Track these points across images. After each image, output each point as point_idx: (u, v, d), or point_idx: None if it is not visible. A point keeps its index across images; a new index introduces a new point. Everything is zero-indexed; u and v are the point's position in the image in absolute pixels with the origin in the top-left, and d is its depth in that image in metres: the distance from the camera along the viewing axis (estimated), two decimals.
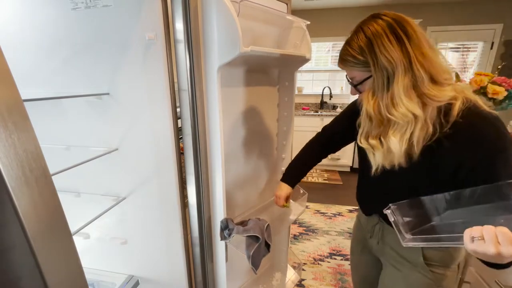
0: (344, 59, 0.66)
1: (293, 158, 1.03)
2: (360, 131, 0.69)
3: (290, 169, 1.01)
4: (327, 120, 4.07)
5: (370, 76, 0.63)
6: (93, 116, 0.86)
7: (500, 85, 1.26)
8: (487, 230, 0.46)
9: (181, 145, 0.85)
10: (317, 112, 4.09)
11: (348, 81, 0.70)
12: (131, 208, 0.94)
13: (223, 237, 0.87)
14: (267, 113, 1.16)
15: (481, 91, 1.29)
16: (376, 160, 0.66)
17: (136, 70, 0.78)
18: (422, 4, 3.69)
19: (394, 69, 0.58)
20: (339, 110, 4.27)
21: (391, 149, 0.63)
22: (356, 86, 0.68)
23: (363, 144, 0.68)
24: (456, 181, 0.61)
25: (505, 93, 1.25)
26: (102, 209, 0.85)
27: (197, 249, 0.95)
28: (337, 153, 3.96)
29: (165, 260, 0.98)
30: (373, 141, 0.66)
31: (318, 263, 2.16)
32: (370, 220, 0.86)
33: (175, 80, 0.78)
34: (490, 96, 1.26)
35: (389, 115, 0.61)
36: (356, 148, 0.95)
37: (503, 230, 0.45)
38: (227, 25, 0.71)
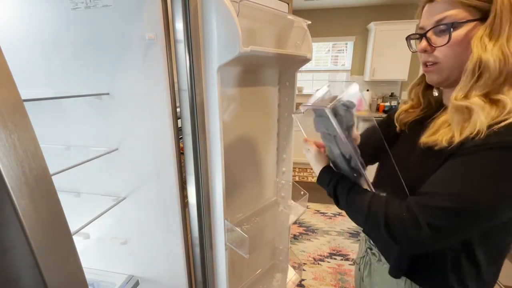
0: None
1: None
2: (457, 87, 0.55)
3: None
4: None
5: (476, 20, 0.51)
6: (93, 116, 0.86)
7: None
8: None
9: (181, 145, 0.85)
10: None
11: (423, 34, 0.58)
12: (131, 208, 0.94)
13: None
14: (268, 113, 1.16)
15: None
16: (478, 123, 0.49)
17: (136, 70, 0.78)
18: None
19: None
20: None
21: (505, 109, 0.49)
22: (443, 32, 0.55)
23: (460, 102, 0.53)
24: None
25: None
26: (102, 209, 0.85)
27: (197, 249, 0.95)
28: None
29: (165, 260, 0.98)
30: (476, 99, 0.51)
31: (318, 263, 2.16)
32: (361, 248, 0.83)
33: (175, 80, 0.78)
34: None
35: None
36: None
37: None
38: (227, 25, 0.71)
